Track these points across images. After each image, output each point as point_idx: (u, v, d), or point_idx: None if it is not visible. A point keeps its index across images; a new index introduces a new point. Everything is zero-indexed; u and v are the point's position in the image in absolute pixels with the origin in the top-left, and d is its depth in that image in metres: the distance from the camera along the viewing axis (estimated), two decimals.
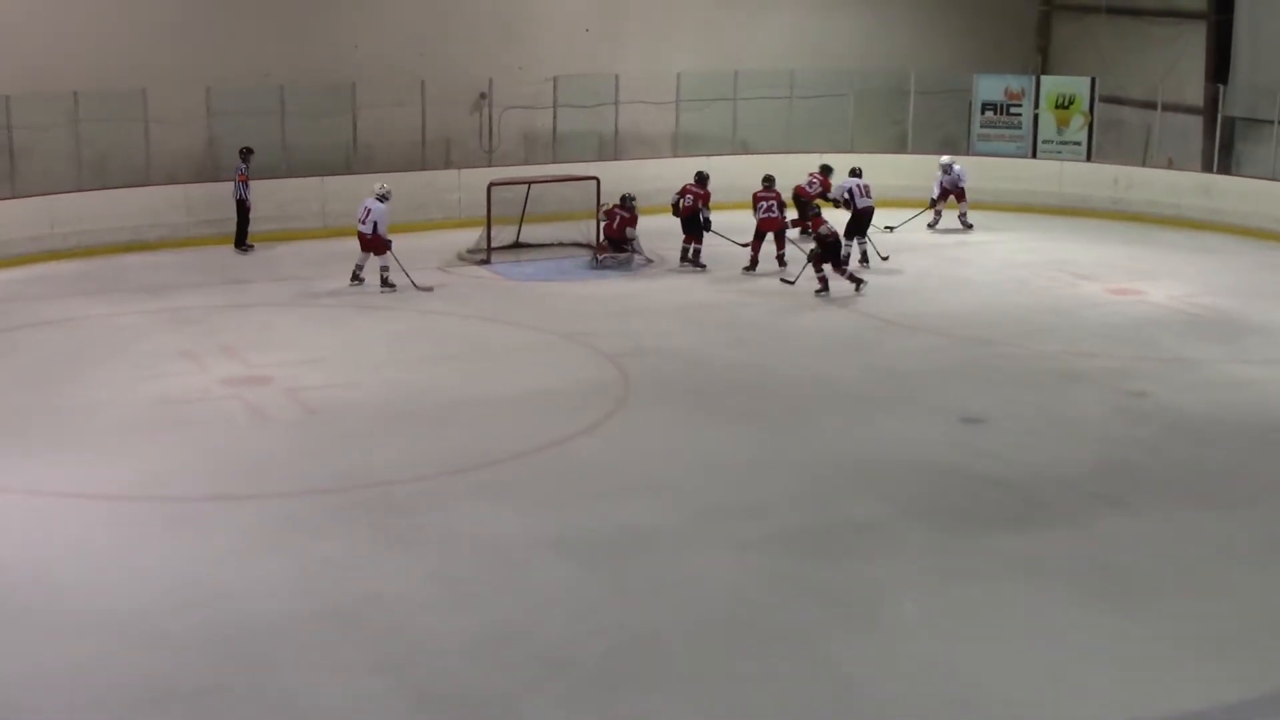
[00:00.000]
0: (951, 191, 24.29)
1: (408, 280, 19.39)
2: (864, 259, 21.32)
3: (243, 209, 21.78)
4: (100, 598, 10.27)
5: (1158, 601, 10.58)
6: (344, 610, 10.14)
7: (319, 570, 10.79)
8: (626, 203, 21.29)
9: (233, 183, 21.78)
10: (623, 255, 21.26)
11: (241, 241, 21.85)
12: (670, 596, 10.43)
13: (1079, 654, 9.66)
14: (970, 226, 24.28)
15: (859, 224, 21.54)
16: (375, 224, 19.25)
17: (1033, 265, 21.80)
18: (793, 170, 24.95)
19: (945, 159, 24.52)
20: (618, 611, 10.20)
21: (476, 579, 10.70)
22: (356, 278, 19.55)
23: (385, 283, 19.34)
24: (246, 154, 21.81)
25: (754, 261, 20.83)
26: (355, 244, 21.81)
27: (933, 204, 24.23)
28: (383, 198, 19.43)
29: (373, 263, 19.46)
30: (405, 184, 23.08)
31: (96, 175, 22.24)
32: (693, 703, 8.97)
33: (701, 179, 21.45)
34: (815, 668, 9.39)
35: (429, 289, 19.38)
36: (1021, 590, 10.64)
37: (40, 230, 21.10)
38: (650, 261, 21.19)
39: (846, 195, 21.76)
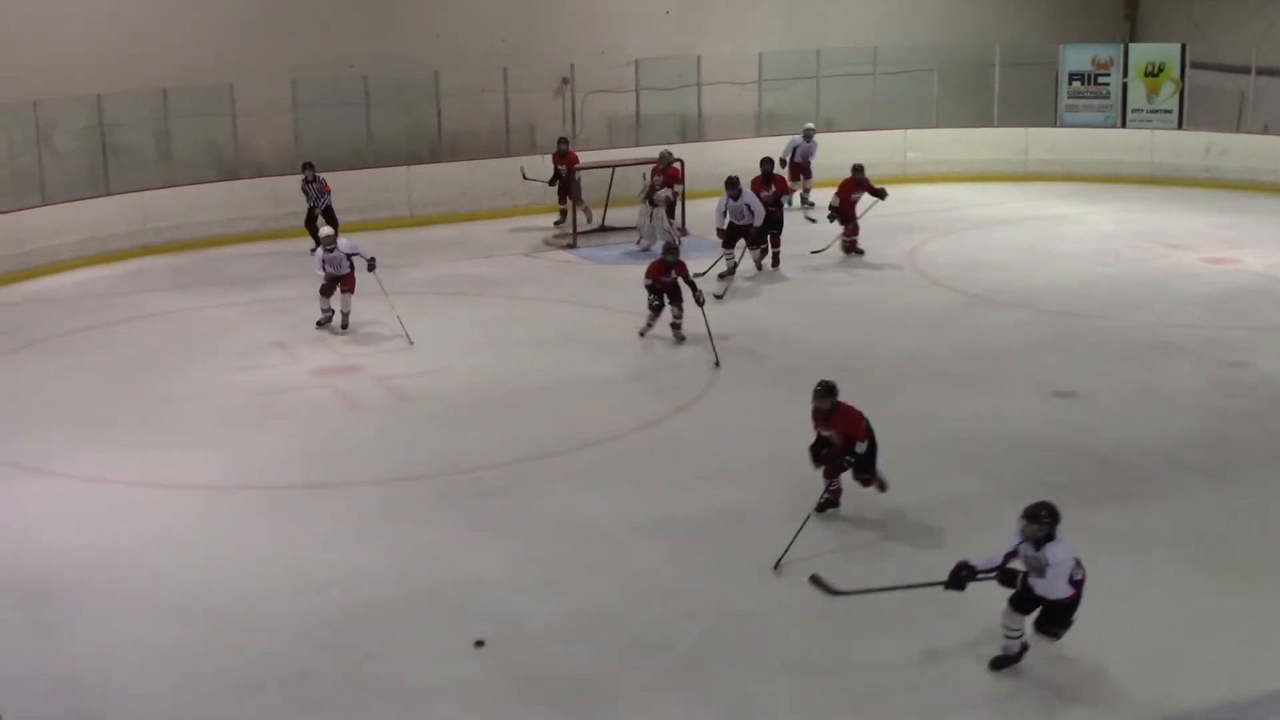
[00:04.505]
0: (801, 165, 23.66)
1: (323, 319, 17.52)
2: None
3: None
4: (200, 586, 10.42)
5: (1261, 574, 10.39)
6: (439, 595, 10.20)
7: (414, 556, 10.87)
8: (664, 158, 21.23)
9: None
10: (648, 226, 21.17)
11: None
12: (765, 576, 10.39)
13: (1181, 628, 9.52)
14: (811, 205, 23.25)
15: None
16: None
17: (1125, 236, 21.48)
18: (878, 148, 24.83)
19: (809, 125, 24.03)
20: (713, 592, 10.18)
21: (570, 562, 10.73)
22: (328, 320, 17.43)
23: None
24: (306, 167, 21.33)
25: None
26: (441, 233, 22.13)
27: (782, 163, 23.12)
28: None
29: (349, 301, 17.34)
30: (490, 171, 23.20)
31: (187, 170, 22.57)
32: (790, 684, 8.93)
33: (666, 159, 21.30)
34: (912, 647, 9.30)
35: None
36: (1121, 565, 10.48)
37: (134, 226, 21.45)
38: (685, 235, 21.02)
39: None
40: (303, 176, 21.11)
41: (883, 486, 11.56)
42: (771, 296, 18.42)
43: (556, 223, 22.59)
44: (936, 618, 9.73)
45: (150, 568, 10.77)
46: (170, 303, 18.77)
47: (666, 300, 16.16)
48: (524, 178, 22.49)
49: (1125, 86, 26.55)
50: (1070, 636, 9.28)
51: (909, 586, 8.98)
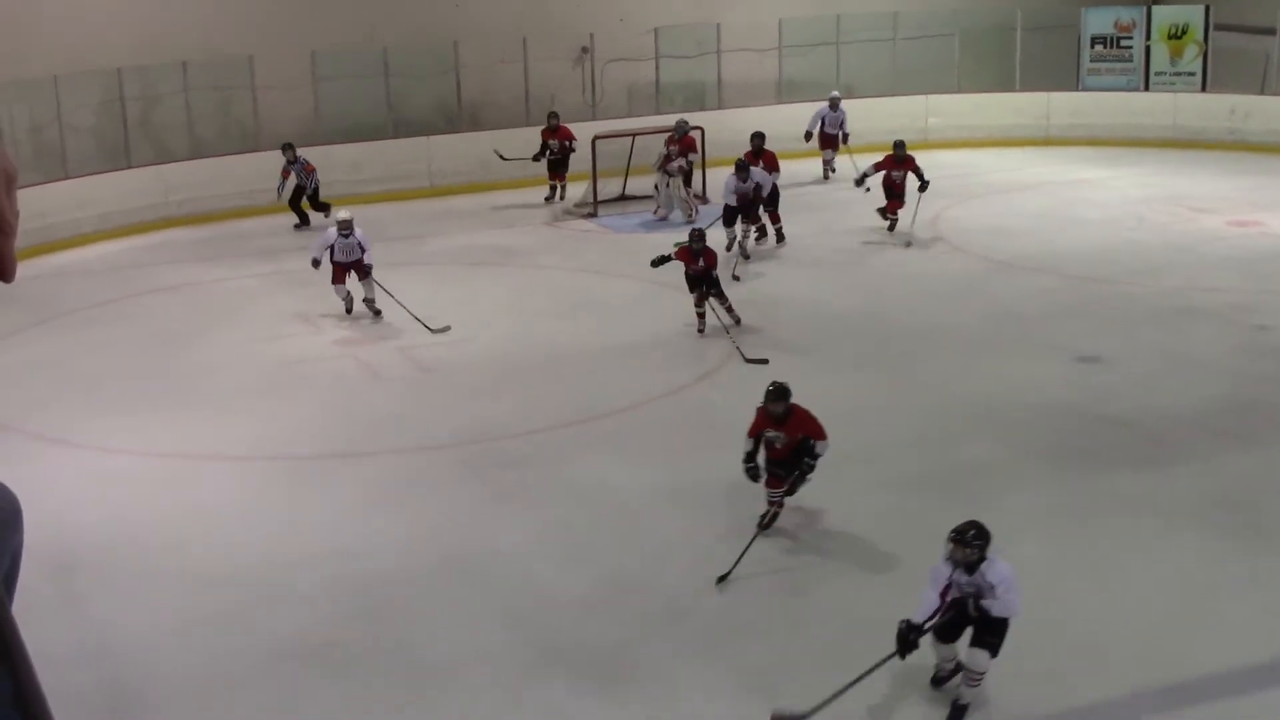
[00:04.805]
0: (830, 136, 22.97)
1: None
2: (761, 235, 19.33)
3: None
4: (225, 556, 10.48)
5: None
6: (462, 564, 10.24)
7: (437, 525, 10.91)
8: (679, 128, 20.85)
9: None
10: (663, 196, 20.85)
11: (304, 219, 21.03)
12: (788, 545, 10.38)
13: (1208, 594, 9.50)
14: (834, 171, 22.80)
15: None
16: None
17: (1149, 201, 21.35)
18: (899, 114, 24.70)
19: (835, 93, 23.27)
20: (736, 557, 10.18)
21: (593, 530, 10.75)
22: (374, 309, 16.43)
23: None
24: (287, 148, 20.78)
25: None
26: (462, 203, 22.06)
27: (809, 136, 22.82)
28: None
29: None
30: (511, 140, 23.15)
31: (208, 143, 22.60)
32: (814, 649, 8.94)
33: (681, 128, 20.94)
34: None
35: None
36: (1147, 530, 10.47)
37: (155, 199, 21.48)
38: (705, 202, 20.40)
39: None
40: (284, 158, 20.59)
41: (780, 504, 10.48)
42: (794, 265, 18.38)
43: (546, 199, 22.20)
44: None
45: (176, 539, 10.83)
46: (193, 275, 18.81)
47: (705, 288, 15.24)
48: (501, 159, 22.05)
49: (1148, 49, 26.33)
50: (1097, 601, 9.29)
51: (862, 677, 8.00)
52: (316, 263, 16.40)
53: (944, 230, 19.75)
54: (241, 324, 16.47)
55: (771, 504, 10.40)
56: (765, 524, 10.31)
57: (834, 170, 22.95)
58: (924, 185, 19.12)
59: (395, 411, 13.56)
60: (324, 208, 20.66)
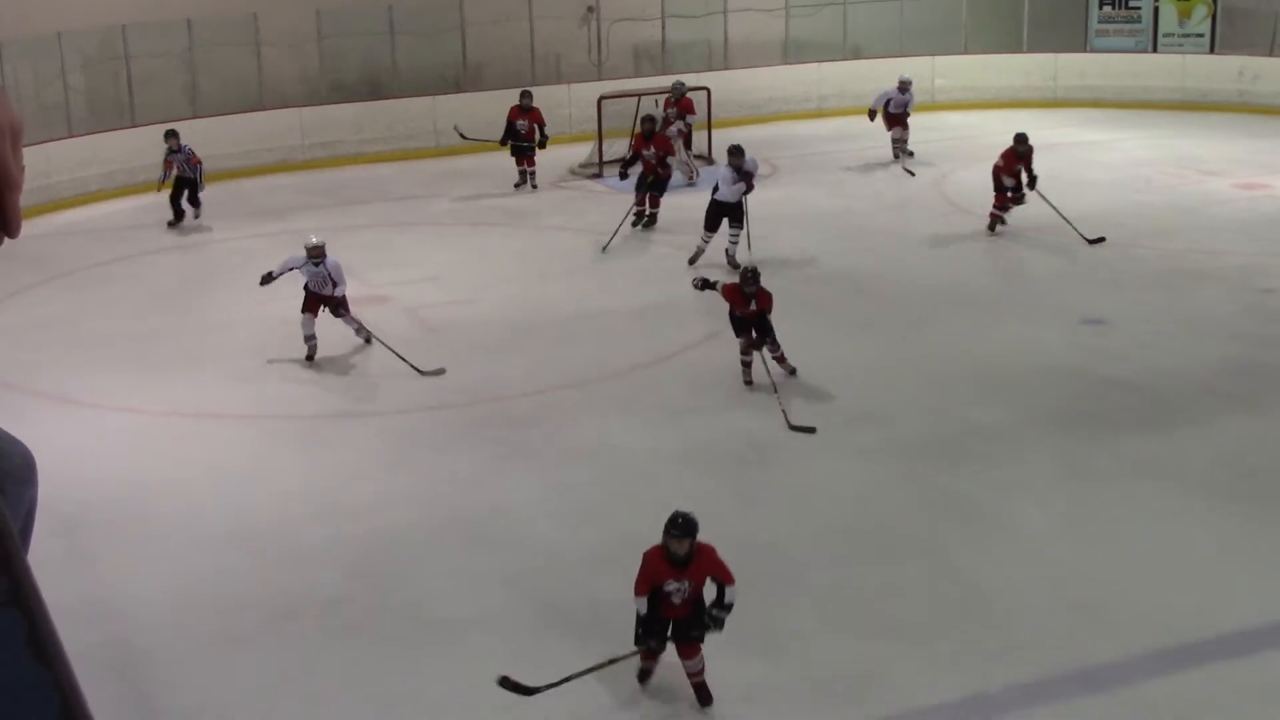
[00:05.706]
0: (897, 116, 21.44)
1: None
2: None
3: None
4: (232, 514, 10.50)
5: None
6: (470, 523, 10.26)
7: (444, 485, 10.93)
8: (677, 89, 20.47)
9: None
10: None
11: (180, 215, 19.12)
12: (794, 505, 10.42)
13: (1210, 557, 9.51)
14: (911, 154, 21.47)
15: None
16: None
17: (1156, 163, 21.27)
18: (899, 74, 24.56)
19: (905, 77, 21.62)
20: (741, 520, 10.18)
21: (600, 490, 10.76)
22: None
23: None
24: (170, 136, 19.01)
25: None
26: (467, 163, 21.92)
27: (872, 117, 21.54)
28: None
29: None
30: (516, 101, 23.09)
31: (212, 101, 22.51)
32: (817, 610, 8.97)
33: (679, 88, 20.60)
34: (941, 574, 9.33)
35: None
36: (1151, 493, 10.47)
37: (160, 158, 21.32)
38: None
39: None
40: (166, 146, 18.79)
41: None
42: (802, 227, 18.31)
43: (516, 185, 20.72)
44: (965, 544, 9.75)
45: (183, 497, 10.86)
46: (197, 234, 18.77)
47: (753, 333, 12.74)
48: (461, 137, 20.95)
49: (1156, 10, 26.19)
50: (1101, 563, 9.29)
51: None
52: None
53: (950, 192, 19.70)
54: (247, 284, 16.38)
55: (640, 653, 8.20)
56: (611, 657, 8.16)
57: (911, 153, 21.45)
58: (1033, 181, 17.24)
59: (401, 371, 13.53)
60: (197, 204, 19.06)
